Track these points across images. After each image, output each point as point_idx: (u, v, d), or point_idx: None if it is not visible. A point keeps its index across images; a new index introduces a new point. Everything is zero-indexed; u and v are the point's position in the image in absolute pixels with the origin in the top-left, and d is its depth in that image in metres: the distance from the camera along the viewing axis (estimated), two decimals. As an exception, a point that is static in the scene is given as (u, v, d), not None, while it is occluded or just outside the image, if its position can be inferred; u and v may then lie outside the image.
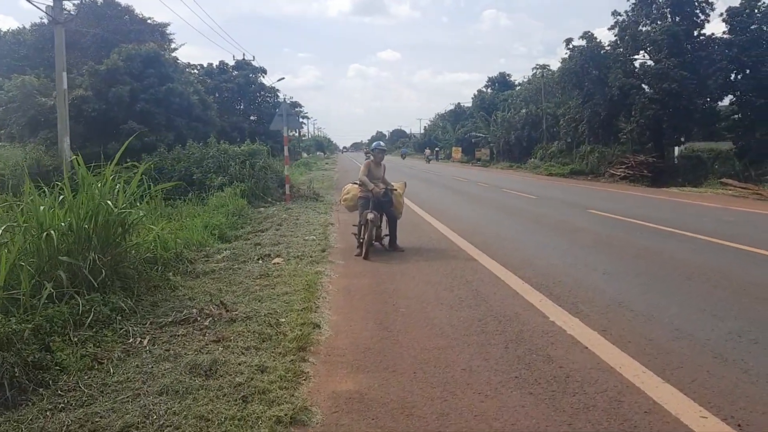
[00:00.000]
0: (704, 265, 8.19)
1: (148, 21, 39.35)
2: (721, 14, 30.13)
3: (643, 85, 30.97)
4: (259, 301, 6.39)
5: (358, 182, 9.86)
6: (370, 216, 9.22)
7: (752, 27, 29.32)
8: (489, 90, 73.32)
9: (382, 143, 10.44)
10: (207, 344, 4.96)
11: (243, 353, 4.76)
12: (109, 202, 6.52)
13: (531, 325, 5.54)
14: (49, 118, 19.86)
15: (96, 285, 5.72)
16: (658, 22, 31.56)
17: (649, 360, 4.59)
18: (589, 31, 34.30)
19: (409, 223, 13.16)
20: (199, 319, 5.63)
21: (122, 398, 3.93)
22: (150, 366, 4.48)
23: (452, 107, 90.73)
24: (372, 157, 9.99)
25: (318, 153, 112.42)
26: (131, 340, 5.05)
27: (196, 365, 4.42)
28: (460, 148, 73.36)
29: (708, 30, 31.31)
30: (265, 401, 3.87)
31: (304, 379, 4.31)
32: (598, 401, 3.87)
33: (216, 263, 8.58)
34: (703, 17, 30.95)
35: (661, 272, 7.77)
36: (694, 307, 6.04)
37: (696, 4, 30.86)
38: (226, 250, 9.57)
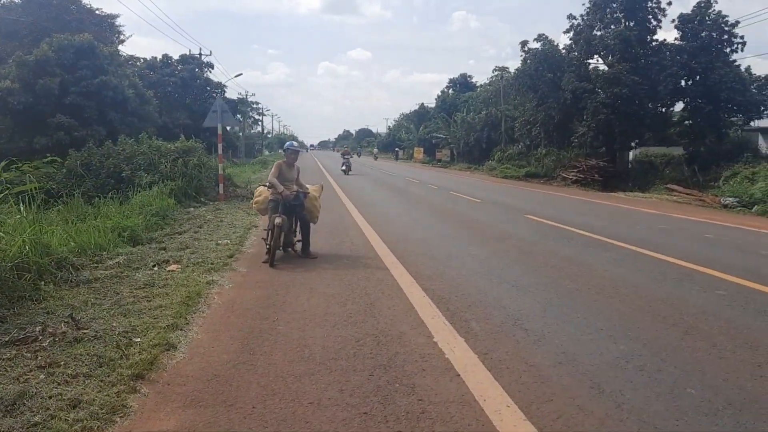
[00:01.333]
0: (619, 278, 7.84)
1: (96, 12, 38.12)
2: (673, 20, 30.36)
3: (597, 89, 31.00)
4: (124, 315, 5.79)
5: (267, 184, 9.30)
6: (277, 220, 8.67)
7: (702, 34, 29.55)
8: (450, 91, 73.30)
9: (295, 143, 9.90)
10: (30, 371, 4.36)
11: (66, 383, 4.17)
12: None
13: (410, 347, 5.06)
14: (-29, 111, 18.79)
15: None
16: (612, 27, 31.62)
17: (520, 391, 4.14)
18: (543, 34, 34.27)
19: (338, 227, 12.71)
20: (40, 338, 5.02)
21: None
22: (-56, 399, 3.86)
23: (417, 107, 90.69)
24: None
25: (280, 151, 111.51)
26: (-56, 365, 4.43)
27: (-2, 399, 3.82)
28: (422, 149, 73.40)
29: (660, 36, 31.58)
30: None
31: (121, 416, 3.75)
32: (443, 445, 3.40)
33: (105, 270, 7.93)
34: (655, 23, 31.13)
35: (572, 286, 7.39)
36: (592, 326, 5.64)
37: (649, 9, 30.98)
38: (123, 255, 8.92)
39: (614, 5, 31.46)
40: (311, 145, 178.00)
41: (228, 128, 33.92)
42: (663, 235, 11.96)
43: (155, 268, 8.18)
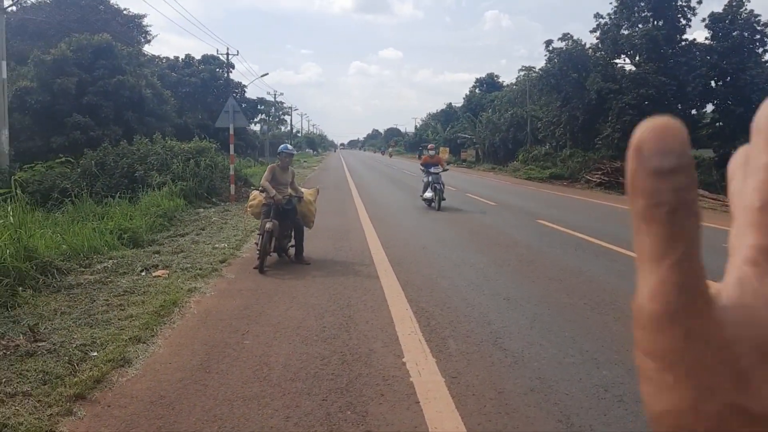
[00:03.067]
0: (620, 292, 7.43)
1: (124, 12, 38.53)
2: (704, 20, 29.50)
3: (623, 90, 30.28)
4: (89, 326, 5.61)
5: (260, 188, 9.08)
6: (267, 225, 8.45)
7: (734, 33, 28.67)
8: (477, 91, 72.68)
9: (289, 146, 9.65)
10: (-31, 388, 4.18)
11: (0, 402, 3.98)
12: None
13: (376, 367, 4.77)
14: (-7, 110, 18.96)
15: None
16: (640, 26, 30.87)
17: (480, 423, 3.83)
18: (568, 33, 33.60)
19: (342, 230, 12.48)
20: (-7, 350, 4.85)
21: None
22: None
23: (444, 107, 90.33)
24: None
25: (308, 150, 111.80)
26: None
27: None
28: (447, 149, 72.73)
29: (689, 36, 30.74)
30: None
31: (46, 442, 3.54)
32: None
33: (91, 275, 7.80)
34: (684, 22, 30.31)
35: (566, 300, 7.01)
36: (577, 347, 5.29)
37: (678, 8, 30.18)
38: (114, 258, 8.78)
39: (642, 4, 30.73)
40: (341, 144, 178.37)
41: (246, 128, 34.05)
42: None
43: (142, 274, 8.03)
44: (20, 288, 6.67)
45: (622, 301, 6.95)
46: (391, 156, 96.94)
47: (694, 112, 31.37)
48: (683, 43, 30.40)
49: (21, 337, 5.11)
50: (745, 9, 28.46)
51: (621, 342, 5.46)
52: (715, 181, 26.70)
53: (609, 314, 6.40)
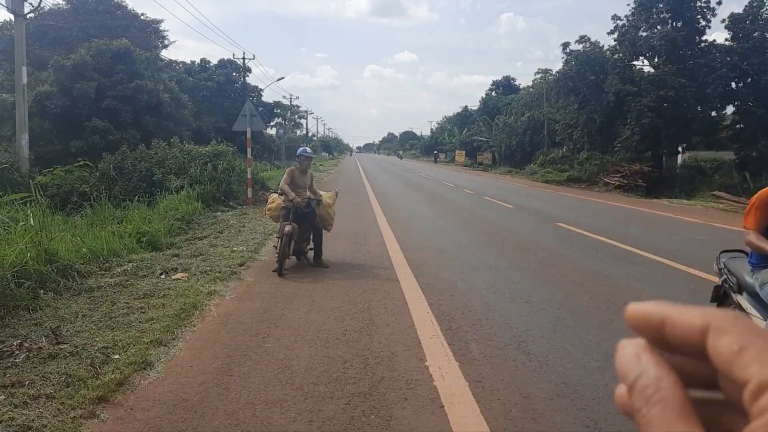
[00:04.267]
0: (642, 295, 7.32)
1: (141, 17, 38.84)
2: (723, 20, 29.11)
3: (641, 92, 29.96)
4: (111, 329, 5.61)
5: (279, 191, 9.07)
6: (287, 228, 8.43)
7: (755, 34, 28.27)
8: (493, 93, 72.48)
9: (308, 149, 9.64)
10: (-7, 390, 4.19)
11: (24, 405, 3.97)
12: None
13: (399, 371, 4.72)
14: (13, 115, 19.23)
15: None
16: (658, 27, 30.57)
17: (506, 429, 3.77)
18: (585, 35, 33.37)
19: (360, 233, 12.46)
20: (16, 352, 4.86)
21: None
22: None
23: (460, 110, 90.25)
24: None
25: (324, 153, 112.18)
26: None
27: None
28: (463, 152, 72.90)
29: (709, 36, 30.38)
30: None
31: (70, 445, 3.53)
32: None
33: (111, 278, 7.82)
34: (704, 23, 29.95)
35: (590, 303, 6.92)
36: (602, 351, 5.19)
37: (697, 9, 29.83)
38: (134, 262, 8.81)
39: (661, 5, 30.42)
40: (357, 148, 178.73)
41: (262, 132, 34.19)
42: (699, 247, 11.29)
43: (162, 276, 8.04)
44: (42, 291, 6.70)
45: (647, 304, 6.84)
46: (401, 158, 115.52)
47: (714, 113, 30.95)
48: (703, 44, 30.03)
49: (43, 340, 5.12)
50: (766, 9, 28.06)
51: (647, 346, 5.35)
52: (737, 184, 26.36)
53: (633, 318, 6.29)
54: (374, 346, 5.31)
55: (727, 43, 29.19)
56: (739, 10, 29.42)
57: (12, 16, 18.08)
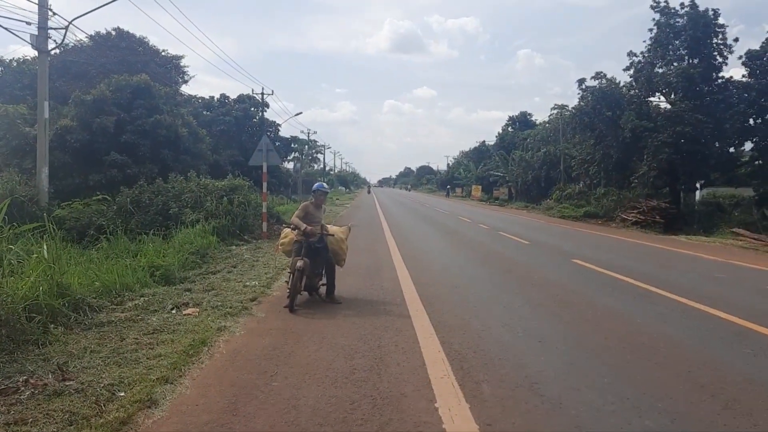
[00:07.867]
0: (660, 335, 7.15)
1: (162, 53, 39.67)
2: (740, 57, 29.08)
3: (658, 128, 29.86)
4: (118, 365, 5.57)
5: (291, 225, 9.05)
6: (298, 264, 8.39)
7: (772, 70, 28.16)
8: (510, 129, 72.78)
9: (325, 185, 9.63)
10: (-4, 427, 4.14)
11: (25, 443, 3.92)
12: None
13: (407, 412, 4.61)
14: (35, 148, 19.55)
15: None
16: (675, 64, 30.61)
17: (516, 476, 3.64)
18: (601, 72, 33.48)
19: (373, 267, 12.42)
20: (22, 389, 4.83)
21: None
22: None
23: (477, 145, 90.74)
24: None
25: (340, 188, 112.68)
26: None
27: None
28: (480, 187, 72.98)
29: (726, 73, 30.33)
30: None
31: (69, 486, 3.46)
32: None
33: (122, 312, 7.81)
34: (721, 60, 29.94)
35: (604, 343, 6.76)
36: (618, 394, 5.04)
37: (714, 46, 29.86)
38: (146, 296, 8.80)
39: (677, 42, 30.51)
40: (378, 182, 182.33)
41: (279, 166, 34.48)
42: (718, 286, 11.07)
43: (172, 311, 8.01)
44: (52, 325, 6.70)
45: (664, 345, 6.68)
46: (409, 190, 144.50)
47: (732, 149, 30.74)
48: (720, 80, 29.97)
49: (50, 376, 5.08)
50: (784, 46, 28.00)
51: (664, 389, 5.20)
52: (756, 220, 26.01)
53: (650, 359, 6.14)
54: (383, 386, 5.21)
55: (744, 79, 29.11)
56: (756, 46, 29.46)
57: (36, 52, 18.50)
